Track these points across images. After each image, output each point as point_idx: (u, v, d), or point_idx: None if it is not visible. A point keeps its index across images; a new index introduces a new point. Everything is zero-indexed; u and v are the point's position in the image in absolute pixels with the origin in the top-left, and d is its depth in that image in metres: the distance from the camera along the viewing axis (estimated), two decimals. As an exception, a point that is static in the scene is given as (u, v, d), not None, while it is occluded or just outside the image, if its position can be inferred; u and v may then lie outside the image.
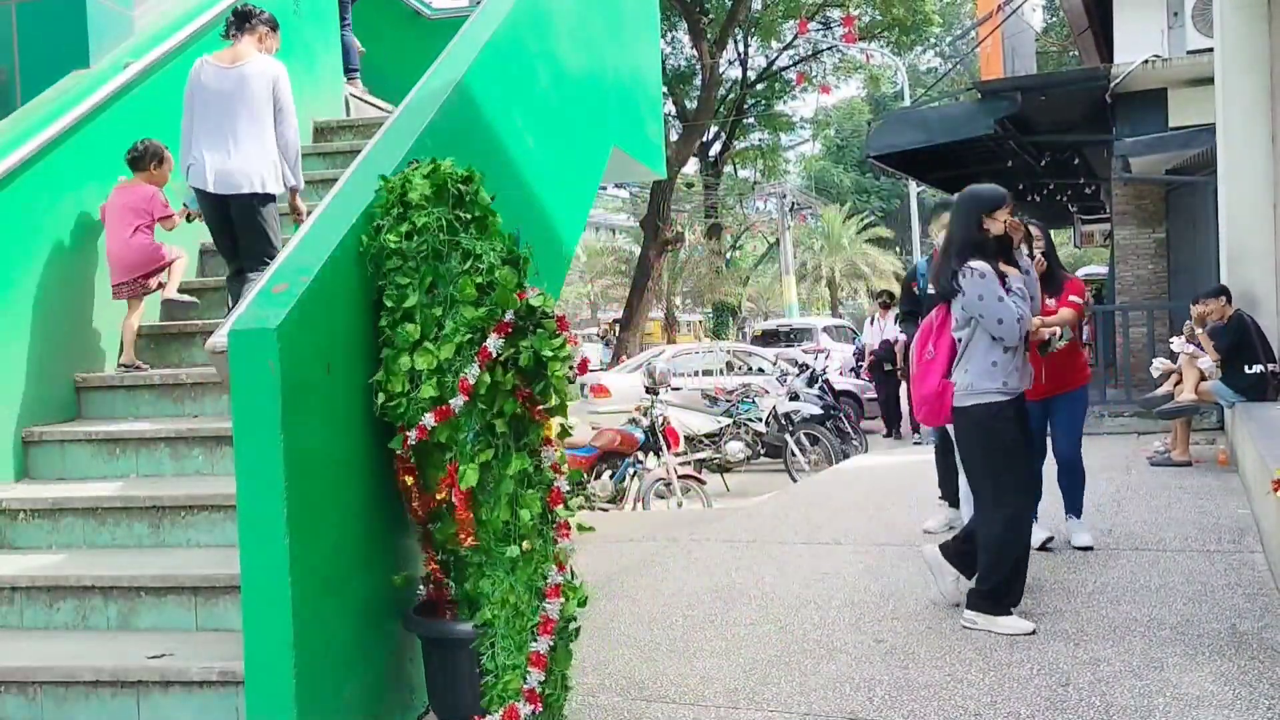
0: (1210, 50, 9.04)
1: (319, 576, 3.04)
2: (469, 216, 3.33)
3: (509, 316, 3.20)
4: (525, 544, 3.19)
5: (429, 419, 3.17)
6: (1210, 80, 8.80)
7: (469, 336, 3.18)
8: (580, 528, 3.38)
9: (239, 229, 4.69)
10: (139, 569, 3.65)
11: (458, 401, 3.15)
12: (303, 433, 2.98)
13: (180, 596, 3.57)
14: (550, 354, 3.18)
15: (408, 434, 3.22)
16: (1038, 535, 5.20)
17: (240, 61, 4.67)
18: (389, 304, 3.29)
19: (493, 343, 3.16)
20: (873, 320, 14.24)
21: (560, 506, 3.29)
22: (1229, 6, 7.92)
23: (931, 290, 5.88)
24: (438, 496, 3.23)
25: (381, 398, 3.26)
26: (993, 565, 4.19)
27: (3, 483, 4.16)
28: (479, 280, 3.21)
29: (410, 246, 3.28)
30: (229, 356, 2.97)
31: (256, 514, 2.91)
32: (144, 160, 4.88)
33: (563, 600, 3.21)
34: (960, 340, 4.27)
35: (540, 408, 3.27)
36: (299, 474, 2.94)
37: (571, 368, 3.26)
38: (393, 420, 3.28)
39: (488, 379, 3.16)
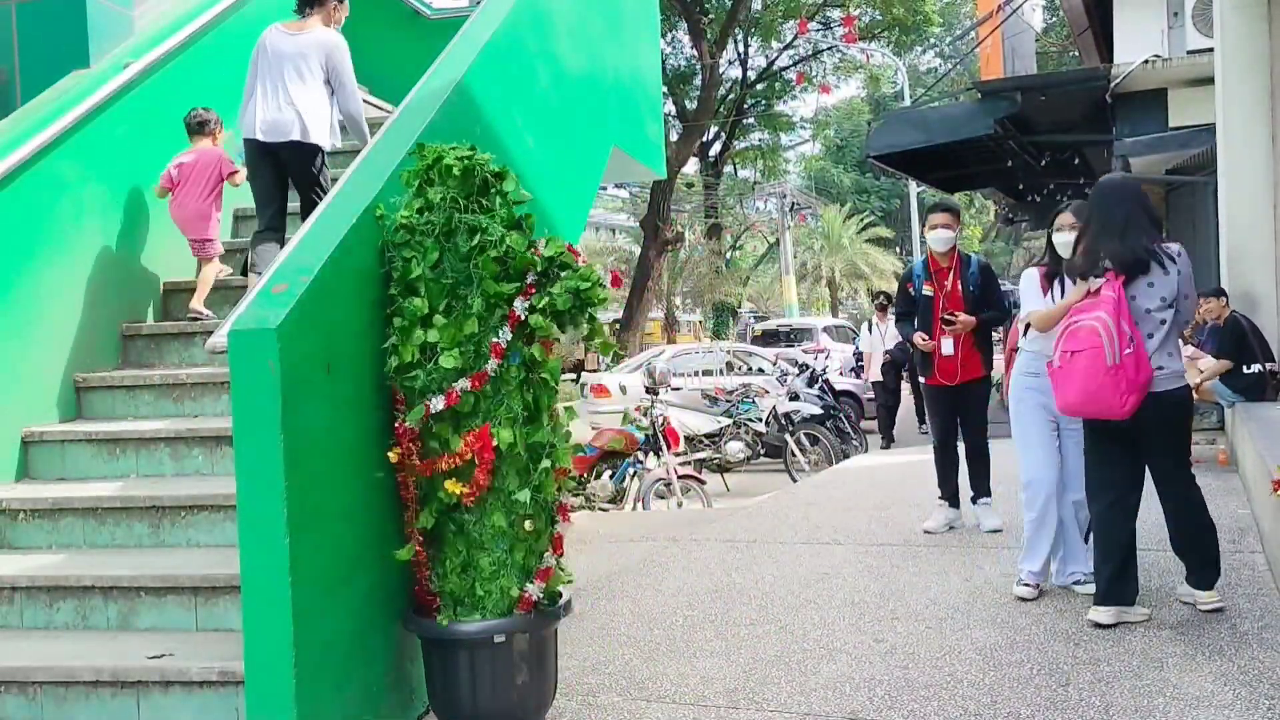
0: (1210, 50, 9.05)
1: (319, 576, 3.04)
2: (492, 208, 3.35)
3: (531, 279, 3.30)
4: (529, 524, 3.24)
5: (463, 383, 3.20)
6: (1210, 80, 8.80)
7: (500, 308, 3.25)
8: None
9: (292, 176, 5.01)
10: (139, 569, 3.65)
11: (491, 364, 3.21)
12: (303, 433, 2.98)
13: (180, 596, 3.57)
14: (587, 286, 3.31)
15: (429, 403, 3.22)
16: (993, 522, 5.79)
17: (304, 30, 5.00)
18: (395, 275, 3.36)
19: (519, 305, 3.26)
20: (871, 326, 13.10)
21: (565, 481, 3.39)
22: (1229, 6, 7.92)
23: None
24: (460, 459, 3.23)
25: (394, 361, 3.29)
26: (1213, 538, 4.22)
27: (3, 483, 4.16)
28: (494, 254, 3.26)
29: (420, 220, 3.32)
30: (229, 356, 2.97)
31: (256, 514, 2.91)
32: (210, 125, 5.27)
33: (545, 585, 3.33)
34: (1164, 322, 4.14)
35: (585, 340, 3.45)
36: (299, 474, 2.95)
37: (604, 288, 3.36)
38: (402, 388, 3.30)
39: (517, 341, 3.26)
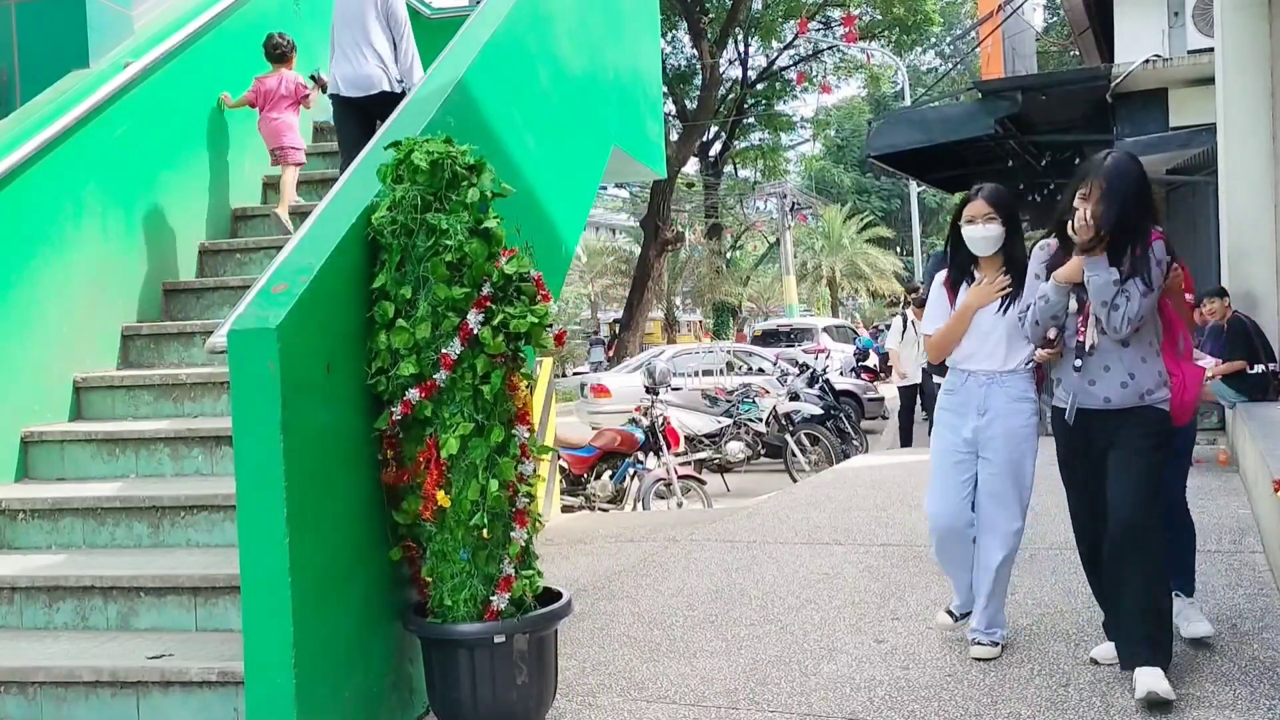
0: (1211, 50, 9.05)
1: (319, 576, 3.04)
2: (462, 204, 3.29)
3: (486, 290, 3.25)
4: (485, 533, 3.22)
5: (414, 393, 3.19)
6: (1211, 80, 8.80)
7: (448, 317, 3.20)
8: (536, 522, 3.43)
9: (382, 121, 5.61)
10: (139, 569, 3.64)
11: (441, 375, 3.19)
12: (303, 433, 2.98)
13: (180, 597, 3.57)
14: (536, 320, 3.27)
15: (393, 410, 3.24)
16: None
17: None
18: (375, 279, 3.34)
19: (473, 318, 3.21)
20: (906, 323, 10.90)
21: (522, 486, 3.35)
22: (1229, 6, 7.91)
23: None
24: (415, 471, 3.24)
25: (374, 367, 3.30)
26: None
27: (2, 483, 4.16)
28: (449, 259, 3.21)
29: (385, 221, 3.28)
30: (228, 356, 2.97)
31: (256, 514, 2.91)
32: (289, 52, 5.92)
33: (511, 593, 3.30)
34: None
35: (516, 374, 3.36)
36: (299, 474, 2.95)
37: (549, 332, 3.35)
38: (379, 395, 3.31)
39: (470, 354, 3.21)
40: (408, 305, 3.25)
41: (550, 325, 3.37)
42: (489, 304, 3.25)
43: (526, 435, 3.39)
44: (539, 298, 3.36)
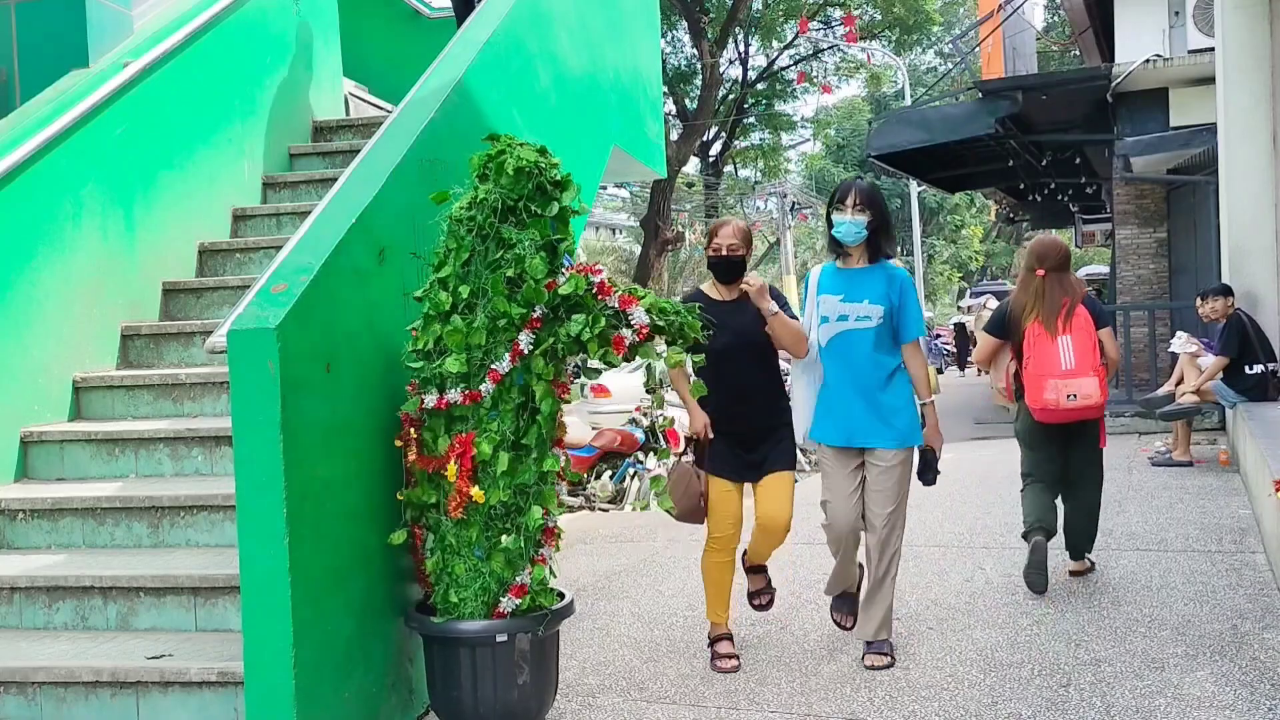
0: (1211, 50, 9.05)
1: (319, 576, 3.04)
2: (541, 216, 3.28)
3: (538, 312, 3.23)
4: (505, 539, 3.22)
5: (455, 395, 3.19)
6: (1211, 80, 8.81)
7: (506, 333, 3.21)
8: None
9: None
10: (138, 569, 3.64)
11: (487, 387, 3.19)
12: (302, 432, 2.98)
13: (180, 597, 3.57)
14: (588, 335, 3.21)
15: (424, 398, 3.24)
16: None
17: None
18: (434, 263, 3.35)
19: (524, 339, 3.20)
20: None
21: (556, 509, 3.35)
22: (1229, 6, 7.91)
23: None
24: (442, 461, 3.23)
25: (416, 342, 3.31)
26: None
27: (2, 483, 4.16)
28: (509, 273, 3.21)
29: (463, 215, 3.29)
30: (228, 356, 2.97)
31: (256, 514, 2.91)
32: None
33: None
34: None
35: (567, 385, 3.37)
36: (299, 474, 2.94)
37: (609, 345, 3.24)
38: (411, 373, 3.30)
39: (518, 371, 3.22)
40: (465, 305, 3.26)
41: (605, 338, 3.28)
42: (539, 326, 3.23)
43: (563, 461, 3.38)
44: (602, 319, 3.27)
